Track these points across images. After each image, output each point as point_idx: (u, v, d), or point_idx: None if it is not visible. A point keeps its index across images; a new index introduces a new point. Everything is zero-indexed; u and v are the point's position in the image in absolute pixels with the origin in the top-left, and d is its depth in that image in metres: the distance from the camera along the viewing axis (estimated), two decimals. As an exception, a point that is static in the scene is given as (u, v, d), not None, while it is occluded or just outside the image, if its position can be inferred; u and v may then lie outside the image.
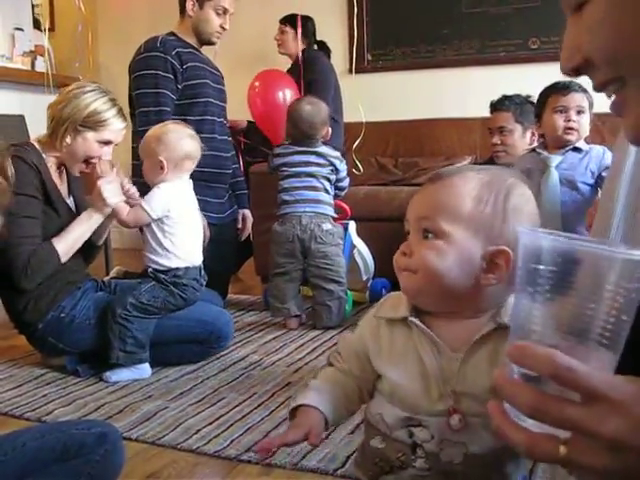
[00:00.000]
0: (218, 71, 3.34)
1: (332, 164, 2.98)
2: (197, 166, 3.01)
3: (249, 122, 4.16)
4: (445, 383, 0.96)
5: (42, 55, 4.62)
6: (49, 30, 4.86)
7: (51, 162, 2.33)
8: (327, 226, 2.92)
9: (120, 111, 2.37)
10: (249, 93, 4.04)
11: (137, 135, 2.92)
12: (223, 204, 3.27)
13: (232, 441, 1.77)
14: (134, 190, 2.41)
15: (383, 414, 1.02)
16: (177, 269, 2.35)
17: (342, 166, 3.03)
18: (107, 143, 2.35)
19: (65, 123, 2.27)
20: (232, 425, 1.88)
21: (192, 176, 2.45)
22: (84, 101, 2.29)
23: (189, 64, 3.09)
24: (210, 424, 1.89)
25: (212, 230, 3.07)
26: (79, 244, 2.31)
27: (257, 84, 4.02)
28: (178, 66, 3.05)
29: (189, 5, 3.12)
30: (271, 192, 3.50)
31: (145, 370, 2.32)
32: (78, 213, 2.38)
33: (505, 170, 1.04)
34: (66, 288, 2.32)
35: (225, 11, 3.16)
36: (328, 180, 2.98)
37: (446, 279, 0.95)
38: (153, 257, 2.37)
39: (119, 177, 2.38)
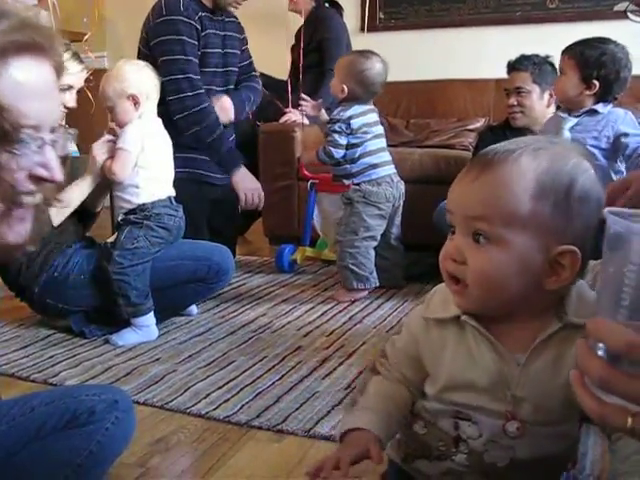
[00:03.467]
0: (237, 32, 3.16)
1: (381, 122, 2.91)
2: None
3: (262, 75, 3.95)
4: (503, 387, 0.88)
5: (46, 9, 4.51)
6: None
7: None
8: (403, 186, 2.86)
9: (75, 55, 2.38)
10: None
11: (169, 105, 2.82)
12: None
13: (242, 406, 1.74)
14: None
15: (426, 406, 0.96)
16: (144, 204, 2.30)
17: None
18: (68, 89, 2.38)
19: None
20: (242, 390, 1.84)
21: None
22: None
23: (207, 31, 2.97)
24: (220, 388, 1.85)
25: (216, 191, 2.99)
26: (72, 206, 2.25)
27: None
28: (201, 32, 2.94)
29: None
30: (280, 152, 3.43)
31: (152, 332, 2.28)
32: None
33: (567, 148, 0.90)
34: (57, 247, 2.30)
35: None
36: None
37: (505, 291, 0.85)
38: (121, 195, 2.31)
39: (108, 137, 2.34)
